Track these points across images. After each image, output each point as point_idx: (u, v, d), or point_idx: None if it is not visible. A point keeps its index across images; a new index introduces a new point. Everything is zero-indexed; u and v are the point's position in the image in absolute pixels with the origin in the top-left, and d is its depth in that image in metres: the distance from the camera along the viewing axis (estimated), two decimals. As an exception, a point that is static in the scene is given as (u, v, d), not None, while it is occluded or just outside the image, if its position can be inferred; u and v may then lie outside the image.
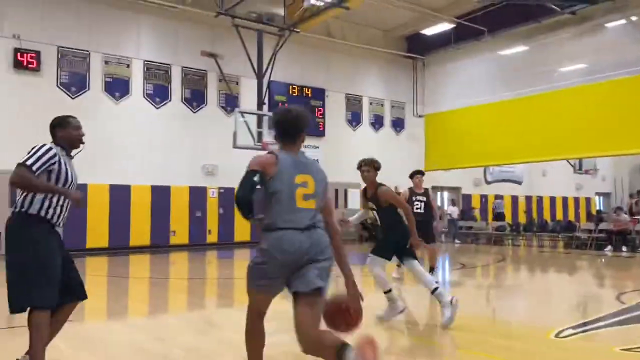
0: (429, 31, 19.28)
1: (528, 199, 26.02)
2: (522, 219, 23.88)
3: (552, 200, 26.92)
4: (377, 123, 21.26)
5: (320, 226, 3.05)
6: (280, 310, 6.42)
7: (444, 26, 18.75)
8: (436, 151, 19.81)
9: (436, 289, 5.59)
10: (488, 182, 24.75)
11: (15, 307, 3.51)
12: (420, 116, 21.51)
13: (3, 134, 13.38)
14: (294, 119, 3.18)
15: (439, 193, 23.52)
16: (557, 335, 5.18)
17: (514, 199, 25.53)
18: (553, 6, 17.07)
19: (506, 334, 5.47)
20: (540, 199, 26.48)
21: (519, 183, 25.77)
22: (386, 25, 20.53)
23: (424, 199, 8.85)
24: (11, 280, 3.51)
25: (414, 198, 8.78)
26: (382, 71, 21.39)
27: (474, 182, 24.18)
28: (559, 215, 25.91)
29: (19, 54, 13.95)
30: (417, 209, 8.61)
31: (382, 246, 5.91)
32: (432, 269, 8.89)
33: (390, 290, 5.78)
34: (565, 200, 27.38)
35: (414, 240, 5.74)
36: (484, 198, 23.87)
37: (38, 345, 3.53)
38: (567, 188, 27.15)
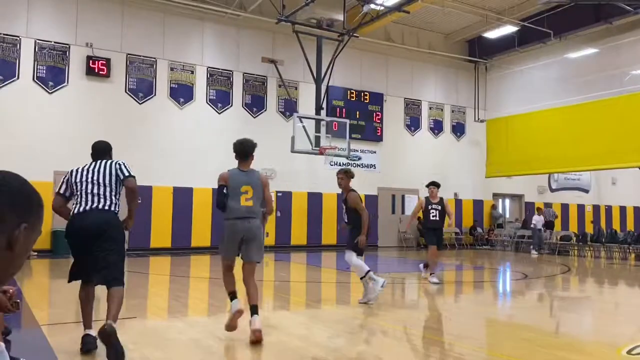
0: (492, 34, 18.83)
1: (596, 208, 24.87)
2: (588, 228, 22.82)
3: (622, 210, 25.61)
4: (436, 128, 20.92)
5: (256, 216, 5.11)
6: (338, 319, 6.46)
7: (508, 29, 18.26)
8: (498, 157, 19.30)
9: (368, 271, 6.98)
10: (552, 190, 23.85)
11: (117, 282, 4.36)
12: (481, 121, 21.02)
13: (75, 136, 14.10)
14: (242, 147, 5.22)
15: (500, 200, 22.87)
16: (629, 352, 4.90)
17: (580, 208, 24.47)
18: (625, 6, 16.27)
19: (572, 347, 5.23)
20: (609, 209, 25.25)
21: (586, 191, 24.69)
22: (447, 29, 20.22)
23: (439, 207, 9.82)
24: (115, 262, 4.38)
25: (429, 207, 9.83)
26: (442, 75, 21.06)
27: (538, 190, 23.36)
28: (630, 226, 24.59)
29: (91, 61, 14.70)
30: (433, 216, 9.83)
31: (353, 242, 7.15)
32: (427, 266, 9.93)
33: (366, 274, 6.96)
34: (637, 210, 25.99)
35: (362, 238, 6.95)
36: (547, 206, 23.00)
37: (119, 310, 4.31)
38: (639, 197, 25.76)
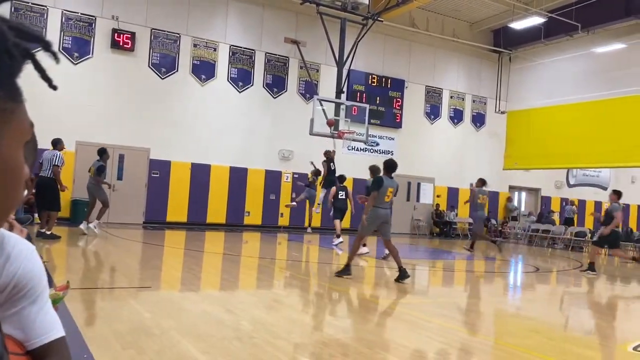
0: (518, 25, 18.49)
1: (613, 206, 24.57)
2: (605, 226, 22.58)
3: (641, 209, 25.30)
4: (456, 117, 20.78)
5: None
6: (347, 300, 6.54)
7: (535, 20, 17.93)
8: (517, 150, 19.16)
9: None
10: (570, 186, 23.62)
11: None
12: (502, 112, 20.83)
13: (97, 108, 14.28)
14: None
15: (516, 193, 22.73)
16: (635, 349, 4.93)
17: (598, 205, 24.21)
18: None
19: (580, 342, 5.27)
20: (626, 207, 24.91)
21: (604, 188, 24.40)
22: (473, 17, 19.97)
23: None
24: None
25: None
26: (465, 64, 20.85)
27: (555, 185, 23.16)
28: (647, 226, 24.31)
29: (116, 34, 14.80)
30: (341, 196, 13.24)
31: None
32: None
33: None
34: (655, 210, 25.64)
35: None
36: (564, 202, 22.82)
37: None
38: (658, 197, 25.40)
